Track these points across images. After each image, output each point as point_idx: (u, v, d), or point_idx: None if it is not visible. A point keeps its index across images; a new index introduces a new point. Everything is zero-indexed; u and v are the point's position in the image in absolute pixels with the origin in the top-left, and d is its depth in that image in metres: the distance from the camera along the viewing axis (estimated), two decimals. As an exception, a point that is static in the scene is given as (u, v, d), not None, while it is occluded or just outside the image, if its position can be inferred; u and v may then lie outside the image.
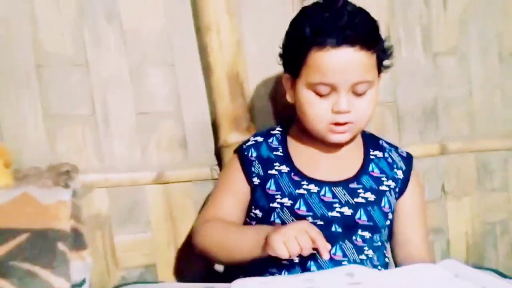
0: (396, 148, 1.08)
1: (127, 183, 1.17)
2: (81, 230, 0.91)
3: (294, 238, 0.83)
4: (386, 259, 1.04)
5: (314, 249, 0.85)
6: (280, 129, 1.08)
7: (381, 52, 0.96)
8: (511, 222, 1.43)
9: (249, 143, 1.06)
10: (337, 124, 0.95)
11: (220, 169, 1.20)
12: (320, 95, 0.93)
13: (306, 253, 0.84)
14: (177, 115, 1.20)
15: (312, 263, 0.94)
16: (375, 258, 1.00)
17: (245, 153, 1.04)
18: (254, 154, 1.03)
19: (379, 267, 1.00)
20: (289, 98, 1.01)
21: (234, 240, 0.95)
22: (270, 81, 1.22)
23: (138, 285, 0.88)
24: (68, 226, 0.88)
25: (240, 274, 1.01)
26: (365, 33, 0.91)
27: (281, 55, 1.01)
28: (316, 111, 0.95)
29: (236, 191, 1.04)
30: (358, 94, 0.93)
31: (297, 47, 0.94)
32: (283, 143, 1.05)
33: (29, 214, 0.86)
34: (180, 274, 1.22)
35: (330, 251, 0.94)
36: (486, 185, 1.40)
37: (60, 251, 0.84)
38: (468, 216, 1.39)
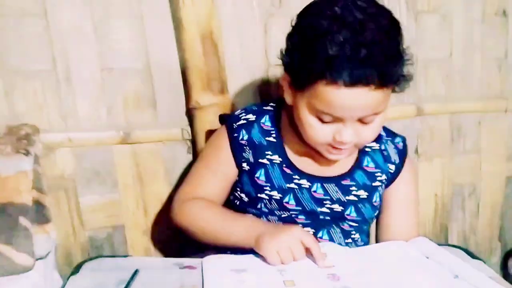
0: (393, 138, 1.01)
1: (92, 143, 1.12)
2: (44, 201, 0.86)
3: (288, 247, 0.80)
4: (367, 234, 1.03)
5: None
6: (273, 105, 0.99)
7: (400, 79, 0.82)
8: (479, 184, 1.45)
9: (240, 122, 0.96)
10: (336, 148, 0.86)
11: (192, 130, 1.15)
12: (323, 122, 0.83)
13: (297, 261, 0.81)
14: (146, 72, 1.13)
15: None
16: (359, 239, 0.99)
17: (235, 135, 0.96)
18: (245, 137, 0.95)
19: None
20: (287, 98, 0.89)
21: (221, 228, 0.91)
22: (246, 42, 1.15)
23: (105, 259, 0.85)
24: (30, 199, 0.83)
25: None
26: (383, 69, 0.76)
27: (282, 57, 0.86)
28: (317, 134, 0.85)
29: (223, 172, 0.98)
30: (364, 123, 0.84)
31: (303, 68, 0.80)
32: (276, 124, 0.96)
33: (-14, 187, 0.80)
34: (149, 235, 1.20)
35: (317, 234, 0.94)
36: (458, 147, 1.40)
37: (22, 226, 0.79)
38: (439, 177, 1.40)
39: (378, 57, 0.75)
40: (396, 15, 1.23)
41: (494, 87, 1.41)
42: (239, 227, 0.89)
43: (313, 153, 0.93)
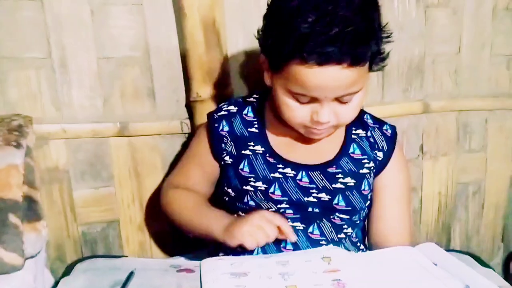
0: (380, 125, 0.99)
1: (87, 134, 1.07)
2: (36, 197, 0.82)
3: (260, 228, 0.81)
4: (363, 232, 1.00)
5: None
6: (257, 97, 0.98)
7: (375, 57, 0.82)
8: (483, 183, 1.41)
9: (221, 112, 0.96)
10: (315, 129, 0.85)
11: (191, 124, 1.11)
12: (300, 102, 0.83)
13: (272, 240, 0.82)
14: (145, 62, 1.08)
15: (287, 241, 0.89)
16: (353, 235, 0.96)
17: (215, 125, 0.95)
18: (226, 129, 0.95)
19: (358, 244, 0.97)
20: (266, 80, 0.89)
21: (195, 215, 0.93)
22: (250, 31, 1.10)
23: (99, 260, 0.81)
24: (20, 195, 0.78)
25: (211, 244, 0.97)
26: (356, 48, 0.75)
27: (258, 38, 0.86)
28: (294, 115, 0.84)
29: (203, 165, 0.98)
30: (342, 103, 0.83)
31: (276, 48, 0.79)
32: (259, 114, 0.95)
33: (-26, 182, 0.76)
34: (144, 230, 1.16)
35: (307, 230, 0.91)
36: (464, 146, 1.37)
37: (11, 223, 0.75)
38: (444, 176, 1.36)
39: (349, 35, 0.74)
40: (405, 8, 1.22)
41: (502, 85, 1.36)
42: (210, 216, 0.91)
43: (296, 138, 0.93)
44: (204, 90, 1.06)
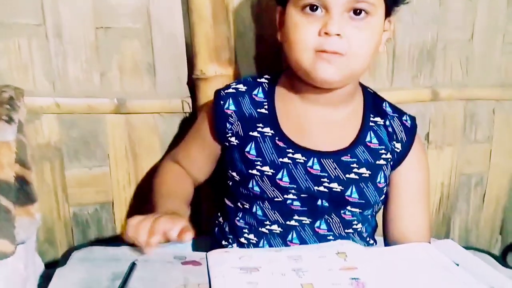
0: (400, 115, 0.93)
1: (82, 110, 1.00)
2: (29, 178, 0.75)
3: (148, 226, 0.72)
4: (373, 225, 0.95)
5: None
6: (269, 77, 0.92)
7: None
8: (486, 175, 1.38)
9: (229, 90, 0.90)
10: (324, 51, 0.78)
11: (193, 103, 1.05)
12: (310, 17, 0.78)
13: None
14: (146, 34, 1.01)
15: (294, 235, 0.85)
16: (363, 229, 0.91)
17: (221, 102, 0.89)
18: (232, 108, 0.88)
19: (368, 238, 0.92)
20: (279, 36, 0.87)
21: (158, 194, 0.90)
22: (259, 8, 1.03)
23: (96, 248, 0.75)
24: (12, 175, 0.72)
25: (216, 233, 0.92)
26: None
27: None
28: (302, 35, 0.79)
29: (204, 144, 0.93)
30: (354, 19, 0.78)
31: None
32: (270, 96, 0.89)
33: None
34: (140, 213, 1.09)
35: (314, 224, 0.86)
36: (470, 136, 1.33)
37: (2, 207, 0.68)
38: (447, 167, 1.33)
39: None
40: None
41: (511, 75, 1.33)
42: (164, 201, 0.87)
43: (309, 122, 0.87)
44: (209, 67, 1.00)
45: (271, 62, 1.07)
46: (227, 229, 0.91)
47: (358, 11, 0.78)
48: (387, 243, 0.95)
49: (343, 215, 0.87)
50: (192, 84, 1.04)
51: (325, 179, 0.85)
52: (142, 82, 1.03)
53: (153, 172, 1.06)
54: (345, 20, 0.77)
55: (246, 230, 0.88)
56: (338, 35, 0.77)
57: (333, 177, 0.85)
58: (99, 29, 0.98)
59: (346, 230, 0.88)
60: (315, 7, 0.78)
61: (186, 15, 1.00)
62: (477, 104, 1.31)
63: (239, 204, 0.90)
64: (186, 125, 1.05)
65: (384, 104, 0.93)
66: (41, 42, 0.95)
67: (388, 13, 0.84)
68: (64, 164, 1.02)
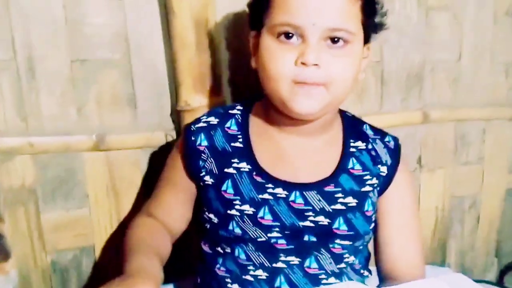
0: (382, 136, 0.88)
1: (58, 149, 0.94)
2: (1, 231, 0.68)
3: None
4: (366, 255, 0.89)
5: None
6: (241, 108, 0.86)
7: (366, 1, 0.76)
8: (479, 197, 1.35)
9: (200, 124, 0.83)
10: (302, 83, 0.73)
11: (177, 135, 0.99)
12: (285, 45, 0.74)
13: None
14: (125, 64, 0.95)
15: (283, 278, 0.78)
16: (356, 262, 0.85)
17: (192, 139, 0.82)
18: (205, 143, 0.82)
19: (362, 270, 0.86)
20: (253, 62, 0.82)
21: (126, 252, 0.77)
22: (243, 33, 0.99)
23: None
24: (-18, 227, 0.65)
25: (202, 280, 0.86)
26: None
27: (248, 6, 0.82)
28: (278, 64, 0.74)
29: (177, 188, 0.86)
30: (332, 47, 0.74)
31: None
32: (243, 128, 0.83)
33: None
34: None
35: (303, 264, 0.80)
36: (461, 158, 1.30)
37: (-29, 265, 0.61)
38: (440, 190, 1.29)
39: None
40: (407, 10, 1.14)
41: (500, 94, 1.31)
42: (130, 257, 0.74)
43: (286, 152, 0.82)
44: (194, 98, 0.94)
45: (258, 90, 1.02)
46: (208, 279, 0.84)
47: (335, 39, 0.74)
48: (380, 272, 0.90)
49: (332, 249, 0.81)
50: (176, 115, 0.98)
51: (310, 213, 0.79)
52: (123, 115, 0.97)
53: (137, 210, 0.99)
54: (322, 48, 0.73)
55: (228, 280, 0.81)
56: (315, 65, 0.72)
57: (318, 210, 0.79)
58: (75, 61, 0.91)
59: (338, 266, 0.81)
60: (290, 34, 0.73)
61: (167, 43, 0.94)
62: (467, 125, 1.29)
63: (219, 249, 0.82)
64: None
65: (364, 127, 0.89)
66: (12, 77, 0.88)
67: (366, 40, 0.80)
68: (39, 207, 0.94)
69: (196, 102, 0.94)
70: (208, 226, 0.83)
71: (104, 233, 0.99)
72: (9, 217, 0.91)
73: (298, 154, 0.82)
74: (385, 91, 1.17)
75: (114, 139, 0.96)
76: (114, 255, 1.00)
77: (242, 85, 1.02)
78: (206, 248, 0.85)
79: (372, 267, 0.91)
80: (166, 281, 0.96)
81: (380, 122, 0.99)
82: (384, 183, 0.86)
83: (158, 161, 0.99)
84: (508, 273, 1.42)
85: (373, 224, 0.85)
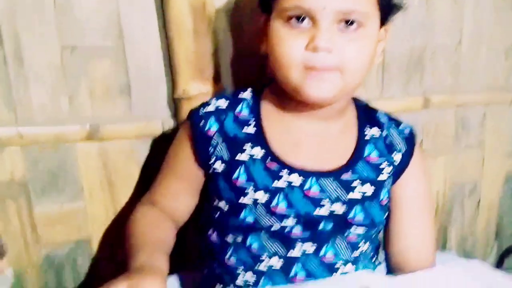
0: (397, 123, 0.87)
1: (49, 140, 0.89)
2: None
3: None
4: (376, 244, 0.88)
5: None
6: (250, 93, 0.83)
7: None
8: (479, 182, 1.34)
9: (208, 108, 0.80)
10: (313, 68, 0.71)
11: (176, 123, 0.95)
12: (296, 29, 0.71)
13: None
14: (118, 52, 0.91)
15: (299, 267, 0.76)
16: (369, 250, 0.83)
17: (200, 124, 0.79)
18: (214, 128, 0.78)
19: (373, 259, 0.85)
20: (263, 47, 0.79)
21: (129, 246, 0.76)
22: (242, 18, 0.95)
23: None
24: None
25: (210, 271, 0.83)
26: None
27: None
28: (288, 50, 0.71)
29: (184, 176, 0.82)
30: (345, 31, 0.70)
31: None
32: (255, 112, 0.80)
33: None
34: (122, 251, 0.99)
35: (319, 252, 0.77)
36: (461, 143, 1.28)
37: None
38: (441, 175, 1.27)
39: None
40: None
41: (499, 78, 1.28)
42: (135, 252, 0.72)
43: (301, 137, 0.79)
44: (192, 86, 0.90)
45: (259, 77, 0.99)
46: (217, 270, 0.81)
47: (349, 21, 0.71)
48: (389, 259, 0.88)
49: (348, 237, 0.79)
50: (173, 104, 0.94)
51: (326, 201, 0.77)
52: (116, 105, 0.93)
53: (134, 202, 0.96)
54: (335, 32, 0.70)
55: (240, 271, 0.79)
56: (327, 49, 0.69)
57: (333, 198, 0.77)
58: (65, 49, 0.87)
59: (353, 255, 0.80)
60: (301, 18, 0.70)
61: (162, 29, 0.90)
62: (468, 110, 1.26)
63: (228, 238, 0.80)
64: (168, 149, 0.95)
65: (378, 114, 0.87)
66: (-1, 66, 0.84)
67: (383, 21, 0.77)
68: (31, 201, 0.90)
69: (195, 90, 0.90)
70: (217, 215, 0.80)
71: (100, 226, 0.96)
72: (-1, 214, 0.88)
73: (313, 141, 0.80)
74: (386, 77, 1.14)
75: (108, 129, 0.92)
76: (111, 249, 0.97)
77: (242, 72, 0.98)
78: (213, 238, 0.82)
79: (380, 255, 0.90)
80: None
81: (381, 108, 0.96)
82: (398, 171, 0.84)
83: (154, 151, 0.97)
84: (508, 256, 1.42)
85: (387, 213, 0.84)
